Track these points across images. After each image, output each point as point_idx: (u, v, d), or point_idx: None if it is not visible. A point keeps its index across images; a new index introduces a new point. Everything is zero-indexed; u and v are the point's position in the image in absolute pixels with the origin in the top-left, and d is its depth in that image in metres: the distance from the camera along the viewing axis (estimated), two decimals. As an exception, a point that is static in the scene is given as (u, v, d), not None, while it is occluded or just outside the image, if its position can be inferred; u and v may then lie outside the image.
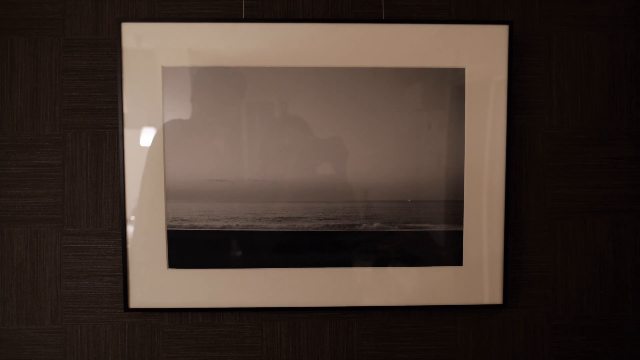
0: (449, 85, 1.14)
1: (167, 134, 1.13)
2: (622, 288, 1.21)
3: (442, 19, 1.17)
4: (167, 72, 1.12)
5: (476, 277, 1.17)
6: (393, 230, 1.16)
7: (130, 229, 1.14)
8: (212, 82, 1.13)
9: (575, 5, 1.19)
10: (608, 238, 1.21)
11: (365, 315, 1.20)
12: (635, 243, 1.21)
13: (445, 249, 1.17)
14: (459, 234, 1.16)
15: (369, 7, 1.18)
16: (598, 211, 1.21)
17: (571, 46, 1.20)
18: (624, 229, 1.21)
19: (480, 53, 1.14)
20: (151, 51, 1.12)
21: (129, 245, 1.14)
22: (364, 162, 1.14)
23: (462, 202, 1.15)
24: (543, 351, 1.21)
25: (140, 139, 1.13)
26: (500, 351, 1.21)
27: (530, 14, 1.19)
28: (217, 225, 1.15)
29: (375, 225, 1.16)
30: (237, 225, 1.15)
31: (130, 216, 1.14)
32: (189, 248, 1.15)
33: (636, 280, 1.21)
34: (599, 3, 1.19)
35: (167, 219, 1.14)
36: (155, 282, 1.15)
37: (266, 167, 1.14)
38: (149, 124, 1.13)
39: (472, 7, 1.18)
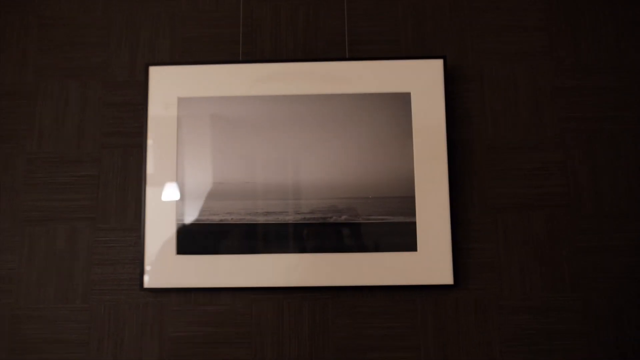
0: (400, 105, 1.44)
1: (180, 149, 1.45)
2: (559, 272, 1.41)
3: (393, 52, 1.51)
4: (181, 101, 1.47)
5: (429, 261, 1.39)
6: (359, 221, 1.41)
7: (147, 224, 1.43)
8: (213, 109, 1.46)
9: (500, 43, 1.51)
10: (543, 229, 1.43)
11: (339, 295, 1.42)
12: (566, 233, 1.42)
13: (403, 237, 1.40)
14: (414, 225, 1.40)
15: (335, 49, 1.52)
16: (533, 207, 1.44)
17: (499, 75, 1.50)
18: (556, 221, 1.43)
19: (423, 81, 1.45)
20: (170, 85, 1.48)
21: (147, 237, 1.43)
22: (334, 166, 1.43)
23: (414, 197, 1.41)
24: (493, 329, 1.39)
25: (159, 155, 1.45)
26: (456, 328, 1.40)
27: (464, 49, 1.51)
28: (216, 219, 1.43)
29: (344, 217, 1.41)
30: (232, 218, 1.43)
31: (148, 214, 1.43)
32: (193, 238, 1.42)
33: (571, 264, 1.41)
34: (520, 41, 1.51)
35: (177, 214, 1.43)
36: (165, 266, 1.42)
37: (255, 171, 1.43)
38: (166, 144, 1.46)
39: (417, 43, 1.52)
